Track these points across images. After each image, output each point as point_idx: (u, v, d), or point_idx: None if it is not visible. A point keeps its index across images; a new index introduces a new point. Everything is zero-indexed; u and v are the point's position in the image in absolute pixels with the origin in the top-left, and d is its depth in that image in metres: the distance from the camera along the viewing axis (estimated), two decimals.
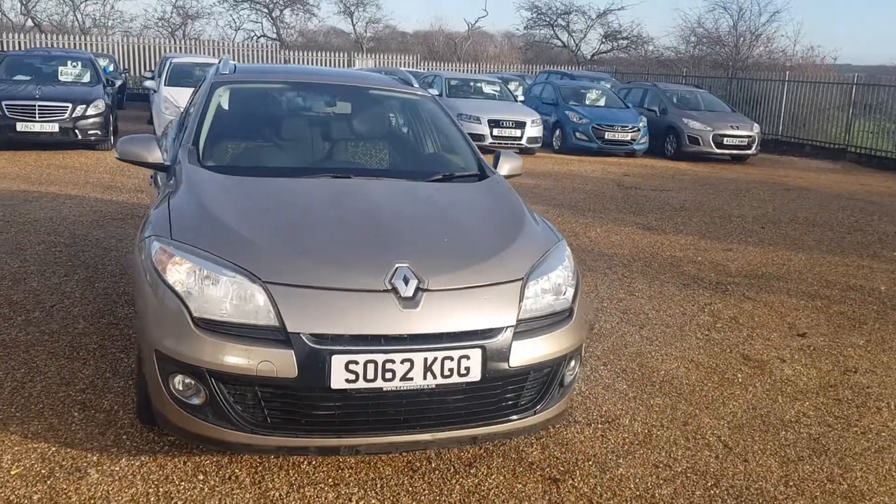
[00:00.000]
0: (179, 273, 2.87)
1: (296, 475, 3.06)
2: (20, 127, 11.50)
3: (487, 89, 16.49)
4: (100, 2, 29.00)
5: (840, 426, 3.90)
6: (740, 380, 4.42)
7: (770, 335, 5.24)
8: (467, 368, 2.87)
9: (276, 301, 2.77)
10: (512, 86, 21.08)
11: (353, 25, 36.32)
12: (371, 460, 3.20)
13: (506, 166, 4.35)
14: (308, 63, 26.62)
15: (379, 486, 3.05)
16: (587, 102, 16.85)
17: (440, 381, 2.84)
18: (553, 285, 3.21)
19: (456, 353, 2.85)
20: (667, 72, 26.08)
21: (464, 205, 3.65)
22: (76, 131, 11.69)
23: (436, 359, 2.82)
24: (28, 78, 12.93)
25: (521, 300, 3.05)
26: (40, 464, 3.04)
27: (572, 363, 3.27)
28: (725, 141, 16.09)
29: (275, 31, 33.34)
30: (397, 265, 2.93)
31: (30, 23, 28.26)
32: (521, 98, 17.42)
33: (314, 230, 3.16)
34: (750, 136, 16.25)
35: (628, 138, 15.88)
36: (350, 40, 36.02)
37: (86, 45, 23.48)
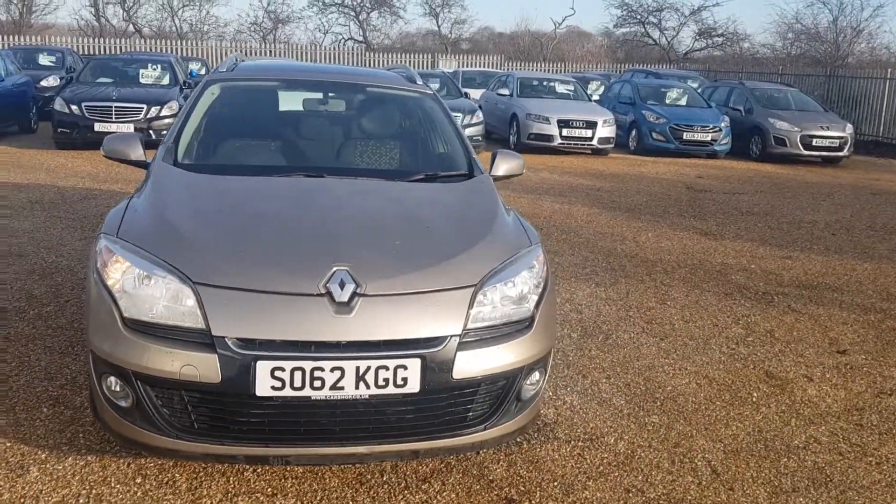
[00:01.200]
0: (116, 272, 2.83)
1: (235, 483, 2.98)
2: (98, 127, 11.98)
3: (561, 88, 16.16)
4: (196, 8, 30.08)
5: (853, 455, 3.53)
6: (754, 399, 4.08)
7: (805, 351, 4.83)
8: (405, 379, 2.71)
9: (204, 303, 2.69)
10: (593, 85, 20.66)
11: (439, 27, 36.42)
12: (319, 470, 3.08)
13: (502, 166, 4.16)
14: (388, 64, 26.84)
15: (318, 498, 2.93)
16: (667, 102, 16.28)
17: (374, 391, 2.69)
18: (513, 292, 3.01)
19: (392, 363, 2.70)
20: (762, 70, 24.98)
21: (433, 206, 3.48)
22: (150, 131, 12.10)
23: (369, 368, 2.67)
24: (110, 80, 13.47)
25: (470, 308, 2.87)
26: None
27: (534, 376, 3.07)
28: (814, 142, 15.23)
29: (361, 34, 33.80)
30: (336, 268, 2.80)
31: (131, 28, 29.65)
32: (595, 98, 16.95)
33: (261, 231, 3.07)
34: (842, 138, 15.33)
35: (708, 139, 15.25)
36: (443, 41, 36.13)
37: (182, 49, 24.38)
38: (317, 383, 2.65)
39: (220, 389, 2.64)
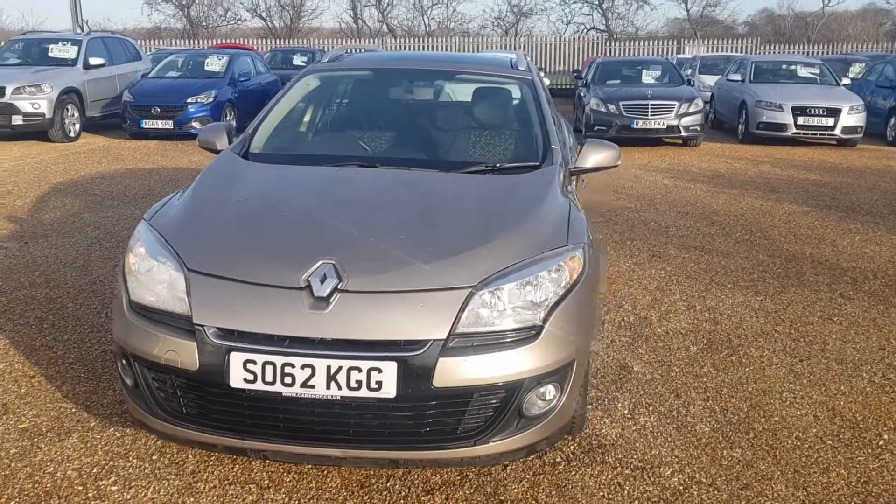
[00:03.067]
0: (135, 256, 2.96)
1: (238, 471, 2.99)
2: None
3: (803, 72, 14.56)
4: (444, 6, 31.16)
5: None
6: (881, 443, 3.35)
7: None
8: (379, 383, 2.55)
9: (191, 290, 2.72)
10: (856, 68, 18.42)
11: (688, 11, 34.46)
12: (325, 469, 3.01)
13: (590, 158, 3.78)
14: (633, 53, 25.95)
15: (310, 496, 2.86)
16: None
17: (346, 393, 2.56)
18: (520, 296, 2.72)
19: (365, 364, 2.55)
20: None
21: (467, 199, 3.24)
22: (681, 128, 12.67)
23: (340, 368, 2.55)
24: None
25: (461, 311, 2.63)
26: (49, 422, 3.34)
27: (547, 391, 2.75)
28: None
29: (604, 22, 32.93)
30: (322, 262, 2.70)
31: (384, 28, 31.50)
32: (845, 83, 15.06)
33: (269, 221, 3.04)
34: None
35: None
36: (692, 26, 34.23)
37: (427, 45, 25.43)
38: (287, 380, 2.57)
39: (197, 378, 2.65)
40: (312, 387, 2.56)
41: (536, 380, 2.71)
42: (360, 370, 2.55)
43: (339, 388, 2.55)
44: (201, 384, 2.66)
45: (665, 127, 12.58)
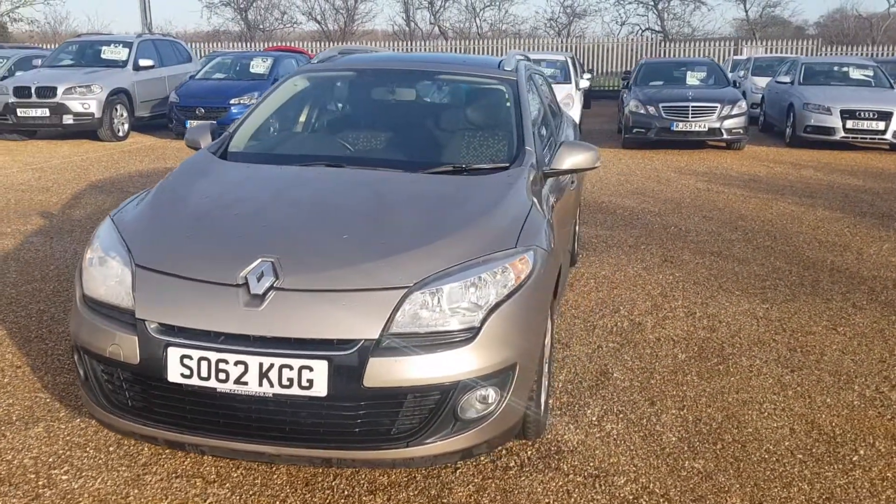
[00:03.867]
0: (91, 251, 3.03)
1: (188, 465, 3.03)
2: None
3: (856, 74, 14.07)
4: (496, 8, 31.06)
5: None
6: (854, 459, 3.21)
7: None
8: (310, 381, 2.56)
9: (136, 285, 2.77)
10: None
11: (746, 11, 33.61)
12: (272, 466, 3.03)
13: (566, 159, 3.72)
14: (688, 54, 25.48)
15: (253, 492, 2.88)
16: None
17: (278, 390, 2.57)
18: (457, 297, 2.69)
19: (296, 363, 2.56)
20: None
21: (423, 200, 3.22)
22: (722, 131, 12.42)
23: (272, 366, 2.57)
24: None
25: (394, 311, 2.62)
26: (22, 411, 3.44)
27: (483, 393, 2.71)
28: None
29: (659, 23, 32.34)
30: (261, 259, 2.73)
31: (436, 30, 31.58)
32: None
33: (220, 219, 3.08)
34: None
35: None
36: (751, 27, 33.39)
37: (481, 49, 25.41)
38: (221, 375, 2.60)
39: (138, 371, 2.70)
40: (246, 384, 2.59)
41: (473, 382, 2.68)
42: (291, 368, 2.56)
43: (272, 385, 2.57)
44: (142, 378, 2.71)
45: (706, 129, 12.31)
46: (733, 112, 12.34)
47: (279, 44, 26.52)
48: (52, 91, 12.92)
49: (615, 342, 4.43)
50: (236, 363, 2.58)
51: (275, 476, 2.98)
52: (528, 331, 2.85)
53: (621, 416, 3.55)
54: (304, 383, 2.56)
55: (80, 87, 13.09)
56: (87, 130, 13.29)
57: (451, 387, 2.64)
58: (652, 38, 28.44)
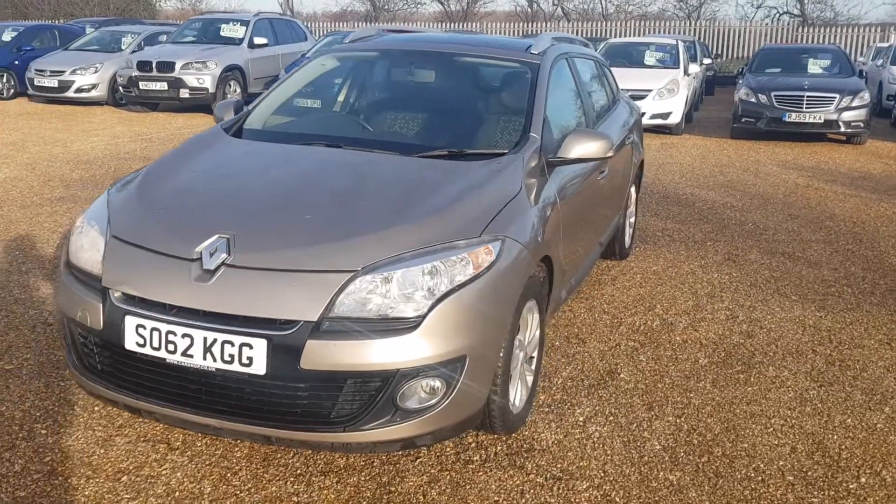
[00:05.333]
0: (80, 219, 3.17)
1: (158, 431, 3.13)
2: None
3: None
4: None
5: None
6: (850, 487, 2.93)
7: None
8: (250, 359, 2.59)
9: (107, 254, 2.88)
10: None
11: None
12: (238, 439, 3.08)
13: (574, 149, 3.55)
14: (827, 40, 23.88)
15: (210, 462, 2.94)
16: None
17: (221, 365, 2.62)
18: (405, 284, 2.64)
19: (237, 339, 2.59)
20: None
21: (401, 184, 3.15)
22: (840, 123, 11.55)
23: (215, 340, 2.61)
24: None
25: (338, 294, 2.60)
26: (33, 366, 3.66)
27: (428, 383, 2.66)
28: None
29: (799, 7, 30.30)
30: (218, 235, 2.77)
31: (559, 12, 30.96)
32: None
33: (197, 194, 3.14)
34: None
35: None
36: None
37: (603, 31, 24.79)
38: (170, 347, 2.66)
39: (101, 337, 2.81)
40: (191, 356, 2.64)
41: (414, 371, 2.62)
42: (232, 344, 2.60)
43: (215, 360, 2.62)
44: (105, 344, 2.82)
45: (822, 121, 11.52)
46: (853, 104, 11.47)
47: (402, 25, 26.82)
48: (170, 66, 13.62)
49: (636, 341, 4.23)
50: (183, 336, 2.64)
51: (236, 450, 3.04)
52: (482, 323, 2.76)
53: (611, 418, 3.39)
54: (244, 360, 2.59)
55: (196, 62, 13.74)
56: (202, 104, 13.92)
57: (390, 374, 2.60)
58: (789, 23, 26.84)
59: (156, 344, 2.68)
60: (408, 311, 2.63)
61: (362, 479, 2.89)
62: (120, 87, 14.35)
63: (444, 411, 2.72)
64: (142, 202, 3.10)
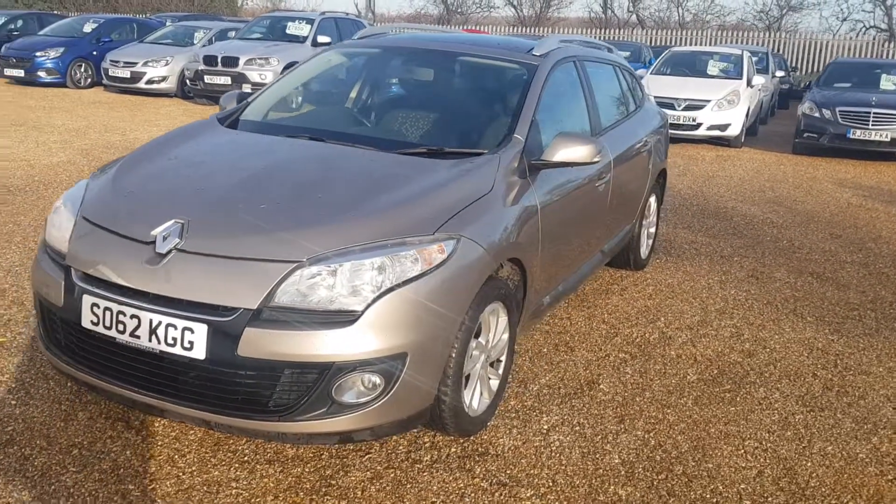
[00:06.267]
0: (59, 200, 3.27)
1: (121, 409, 3.20)
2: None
3: None
4: None
5: None
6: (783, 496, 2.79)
7: None
8: (191, 343, 2.63)
9: (73, 234, 2.97)
10: None
11: None
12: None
13: (558, 152, 3.48)
14: None
15: (162, 443, 3.00)
16: None
17: (164, 347, 2.67)
18: (346, 277, 2.64)
19: (180, 323, 2.64)
20: None
21: (367, 179, 3.13)
22: None
23: (160, 323, 2.66)
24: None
25: (279, 284, 2.61)
26: (25, 340, 3.80)
27: (365, 378, 2.65)
28: None
29: (887, 21, 28.96)
30: (174, 220, 2.81)
31: (633, 19, 30.45)
32: None
33: (167, 179, 3.20)
34: None
35: None
36: None
37: (675, 39, 24.29)
38: (120, 327, 2.73)
39: (61, 314, 2.90)
40: (139, 337, 2.70)
41: (351, 365, 2.62)
42: (175, 328, 2.64)
43: (159, 342, 2.67)
44: (65, 320, 2.90)
45: (888, 140, 11.04)
46: None
47: (474, 27, 26.88)
48: (234, 61, 13.98)
49: (627, 353, 4.13)
50: (132, 316, 2.70)
51: (190, 433, 3.08)
52: (428, 321, 2.74)
53: (577, 428, 3.32)
54: (186, 344, 2.63)
55: (259, 58, 14.05)
56: None
57: (326, 366, 2.60)
58: (875, 38, 25.74)
59: (107, 323, 2.74)
60: (350, 305, 2.63)
61: (307, 470, 2.90)
62: (187, 80, 14.78)
63: (384, 408, 2.71)
64: (114, 185, 3.18)
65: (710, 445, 3.24)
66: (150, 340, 2.68)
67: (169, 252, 2.73)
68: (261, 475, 2.85)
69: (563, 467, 3.02)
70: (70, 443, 2.97)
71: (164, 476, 2.81)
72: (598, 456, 3.12)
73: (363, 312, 2.62)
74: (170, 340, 2.65)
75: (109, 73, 15.68)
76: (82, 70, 16.67)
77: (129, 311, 2.70)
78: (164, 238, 2.76)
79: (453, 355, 2.88)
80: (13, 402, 3.23)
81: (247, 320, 2.59)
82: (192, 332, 2.62)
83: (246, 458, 2.95)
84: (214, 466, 2.88)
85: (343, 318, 2.62)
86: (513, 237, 3.21)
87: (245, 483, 2.80)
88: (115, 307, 2.72)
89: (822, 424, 3.48)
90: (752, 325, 4.66)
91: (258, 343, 2.58)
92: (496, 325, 3.23)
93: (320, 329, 2.59)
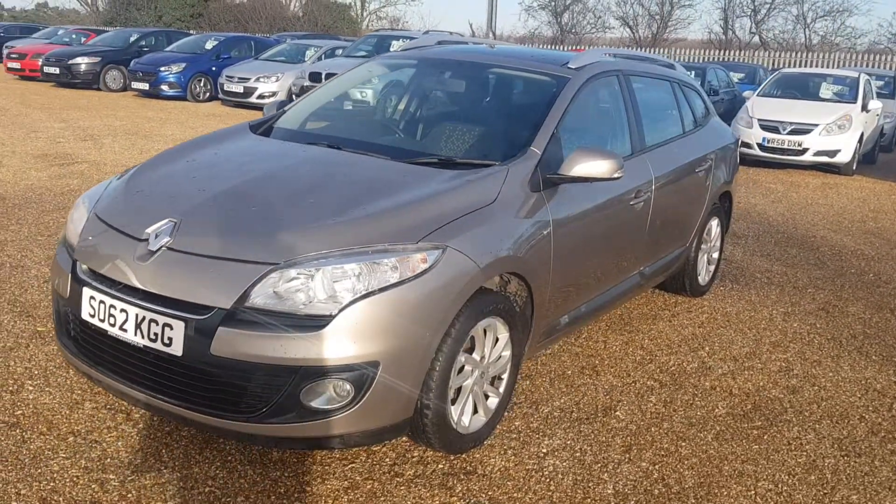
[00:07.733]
0: (79, 199, 3.43)
1: (116, 399, 3.29)
2: None
3: None
4: (831, 18, 27.89)
5: None
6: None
7: None
8: (170, 339, 2.69)
9: (84, 229, 3.10)
10: None
11: None
12: None
13: (576, 167, 3.36)
14: None
15: (154, 436, 3.07)
16: None
17: (147, 342, 2.74)
18: (318, 283, 2.63)
19: (161, 319, 2.70)
20: None
21: (364, 186, 3.10)
22: None
23: (144, 318, 2.74)
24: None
25: (253, 286, 2.63)
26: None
27: (333, 384, 2.63)
28: None
29: None
30: (168, 220, 2.89)
31: (756, 40, 29.24)
32: None
33: (178, 180, 3.27)
34: None
35: None
36: None
37: (800, 61, 23.20)
38: (111, 320, 2.82)
39: (66, 305, 3.03)
40: (126, 331, 2.78)
41: (319, 370, 2.60)
42: (157, 323, 2.70)
43: (143, 336, 2.74)
44: (70, 311, 3.02)
45: None
46: None
47: (582, 47, 26.62)
48: None
49: (657, 381, 3.92)
50: (121, 310, 2.78)
51: (183, 430, 3.14)
52: (405, 331, 2.68)
53: (577, 454, 3.16)
54: (166, 340, 2.69)
55: None
56: None
57: (293, 370, 2.59)
58: None
59: (101, 316, 2.84)
60: (322, 310, 2.61)
61: (286, 475, 2.89)
62: (293, 96, 15.31)
63: (354, 416, 2.67)
64: (128, 184, 3.30)
65: (717, 483, 3.02)
66: (135, 335, 2.75)
67: (159, 249, 2.80)
68: (239, 475, 2.86)
69: (549, 493, 2.89)
70: (69, 430, 3.08)
71: (146, 469, 2.87)
72: (590, 484, 2.96)
73: (334, 317, 2.59)
74: (152, 336, 2.71)
75: (225, 88, 16.47)
76: (202, 84, 17.58)
77: (119, 304, 2.78)
78: (157, 236, 2.83)
79: (437, 368, 2.81)
80: (30, 388, 3.39)
81: (220, 320, 2.61)
82: (171, 328, 2.67)
83: (229, 458, 2.97)
84: (197, 463, 2.92)
85: (314, 322, 2.60)
86: (514, 251, 3.11)
87: (221, 482, 2.82)
88: (108, 300, 2.82)
89: (853, 471, 3.18)
90: (805, 360, 4.34)
91: (230, 343, 2.60)
92: (493, 340, 3.13)
93: (290, 332, 2.59)
